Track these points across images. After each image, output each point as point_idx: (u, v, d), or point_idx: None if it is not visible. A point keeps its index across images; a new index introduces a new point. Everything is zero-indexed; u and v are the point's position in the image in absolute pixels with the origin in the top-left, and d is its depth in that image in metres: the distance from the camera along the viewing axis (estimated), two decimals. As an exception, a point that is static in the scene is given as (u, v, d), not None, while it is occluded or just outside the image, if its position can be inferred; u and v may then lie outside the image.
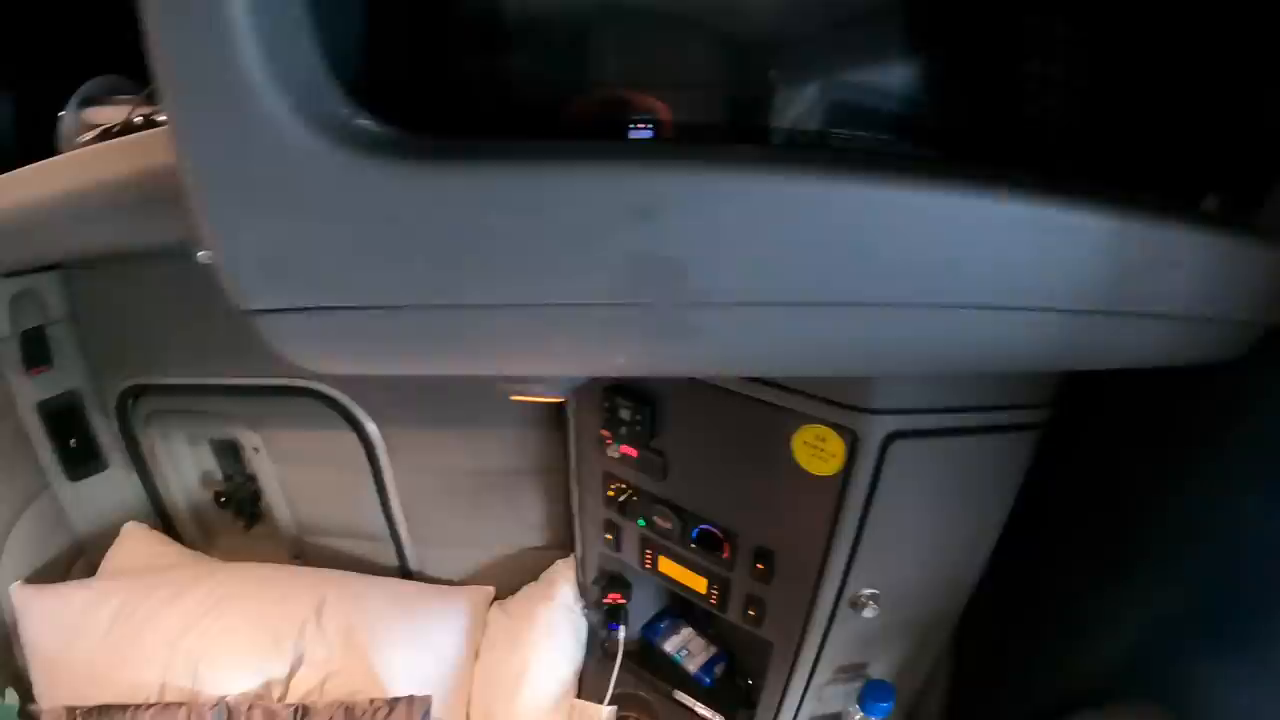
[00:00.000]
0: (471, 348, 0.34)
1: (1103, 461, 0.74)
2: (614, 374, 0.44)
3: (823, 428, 0.61)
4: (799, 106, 0.45)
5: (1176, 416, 0.65)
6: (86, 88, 0.64)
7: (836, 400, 0.60)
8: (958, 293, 0.33)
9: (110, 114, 0.61)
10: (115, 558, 1.14)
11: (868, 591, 0.72)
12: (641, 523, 0.81)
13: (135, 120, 0.58)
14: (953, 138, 0.49)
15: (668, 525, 0.78)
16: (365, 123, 0.29)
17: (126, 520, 1.18)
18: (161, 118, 0.56)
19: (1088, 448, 0.74)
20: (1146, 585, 0.69)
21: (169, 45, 0.26)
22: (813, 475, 0.64)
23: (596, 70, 0.41)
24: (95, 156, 0.53)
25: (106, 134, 0.59)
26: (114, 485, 1.18)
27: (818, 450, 0.62)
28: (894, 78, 0.47)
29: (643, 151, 0.30)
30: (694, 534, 0.77)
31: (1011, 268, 0.33)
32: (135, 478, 1.18)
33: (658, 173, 0.29)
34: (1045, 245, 0.33)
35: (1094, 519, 0.75)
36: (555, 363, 0.37)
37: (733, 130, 0.45)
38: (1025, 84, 0.50)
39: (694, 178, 0.29)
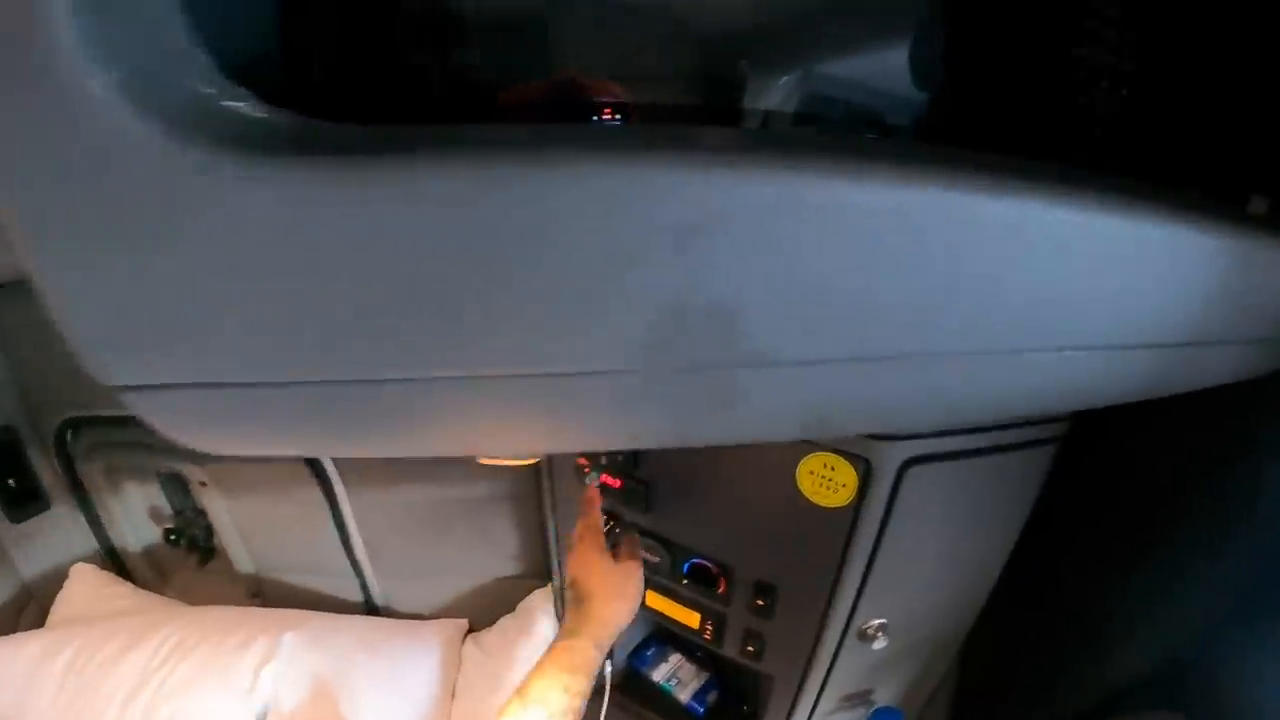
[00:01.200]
0: (412, 429, 0.25)
1: (1117, 469, 0.70)
2: (618, 448, 0.35)
3: (832, 456, 0.55)
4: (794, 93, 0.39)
5: (1197, 421, 0.61)
6: None
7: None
8: (1056, 334, 0.26)
9: None
10: (65, 602, 1.05)
11: (877, 622, 0.67)
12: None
13: None
14: (993, 133, 0.43)
15: (655, 559, 0.71)
16: (241, 106, 0.20)
17: (75, 561, 1.09)
18: None
19: (1102, 455, 0.70)
20: (1161, 595, 0.65)
21: None
22: (820, 506, 0.57)
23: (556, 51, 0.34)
24: None
25: None
26: (59, 525, 1.08)
27: (826, 480, 0.56)
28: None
29: (669, 140, 0.21)
30: (685, 568, 0.71)
31: (1125, 300, 0.27)
32: (81, 517, 1.09)
33: (708, 173, 0.20)
34: (1158, 271, 0.27)
35: (1104, 528, 0.71)
36: (532, 443, 0.28)
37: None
38: (1071, 77, 0.45)
39: (762, 180, 0.20)
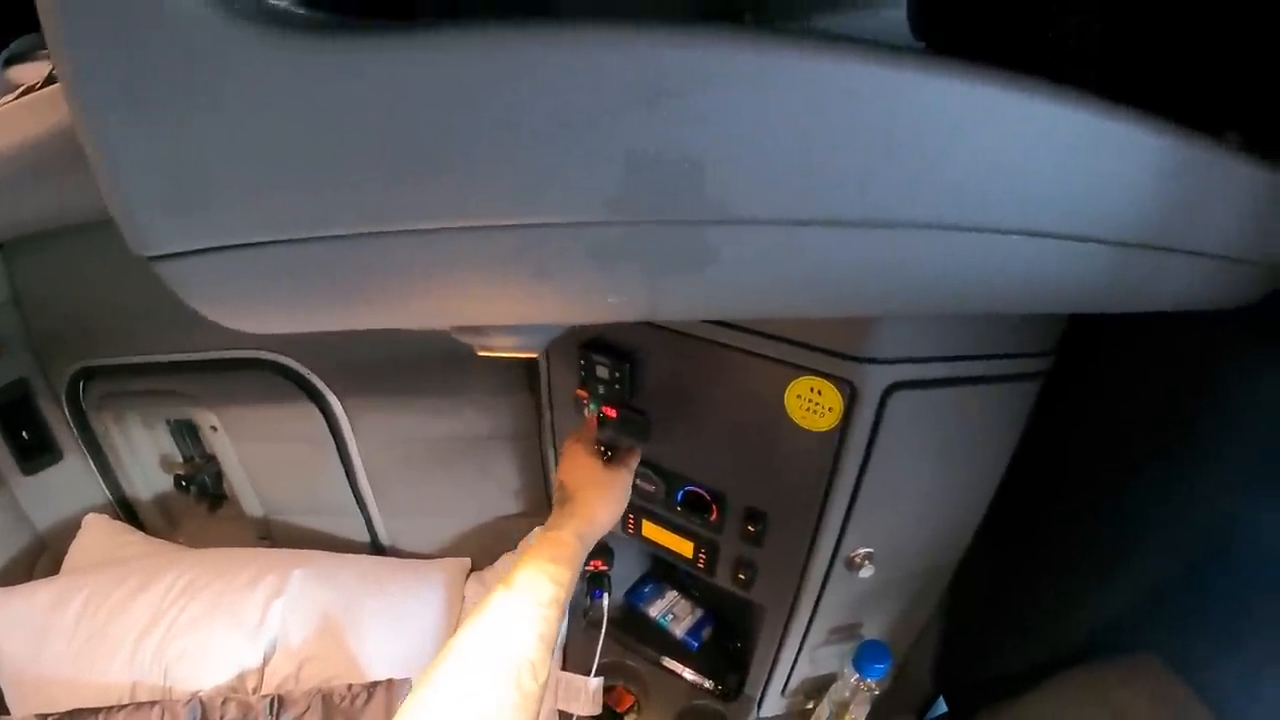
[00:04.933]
0: (424, 287, 0.28)
1: (1102, 411, 0.71)
2: (601, 318, 0.38)
3: (819, 379, 0.56)
4: None
5: (1178, 367, 0.62)
6: (12, 47, 0.60)
7: (833, 350, 0.55)
8: (1007, 213, 0.28)
9: (33, 71, 0.57)
10: (78, 552, 1.08)
11: (864, 551, 0.69)
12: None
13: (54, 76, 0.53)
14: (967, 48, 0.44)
15: (651, 488, 0.74)
16: None
17: (87, 512, 1.12)
18: None
19: (1086, 397, 0.71)
20: (1145, 539, 0.67)
21: None
22: (807, 430, 0.59)
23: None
24: (16, 113, 0.48)
25: (29, 92, 0.54)
26: (71, 476, 1.11)
27: (813, 404, 0.58)
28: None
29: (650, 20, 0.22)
30: (679, 496, 0.73)
31: (1070, 186, 0.28)
32: (93, 467, 1.11)
33: (674, 43, 0.22)
34: (1108, 164, 0.28)
35: (1091, 470, 0.73)
36: (528, 304, 0.30)
37: None
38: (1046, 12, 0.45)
39: (723, 49, 0.22)
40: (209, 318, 0.29)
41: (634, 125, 0.22)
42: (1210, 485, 0.60)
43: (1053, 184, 0.28)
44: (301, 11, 0.22)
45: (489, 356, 0.43)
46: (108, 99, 0.23)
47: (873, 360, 0.55)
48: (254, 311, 0.30)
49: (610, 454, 0.68)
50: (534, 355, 0.54)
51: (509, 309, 0.31)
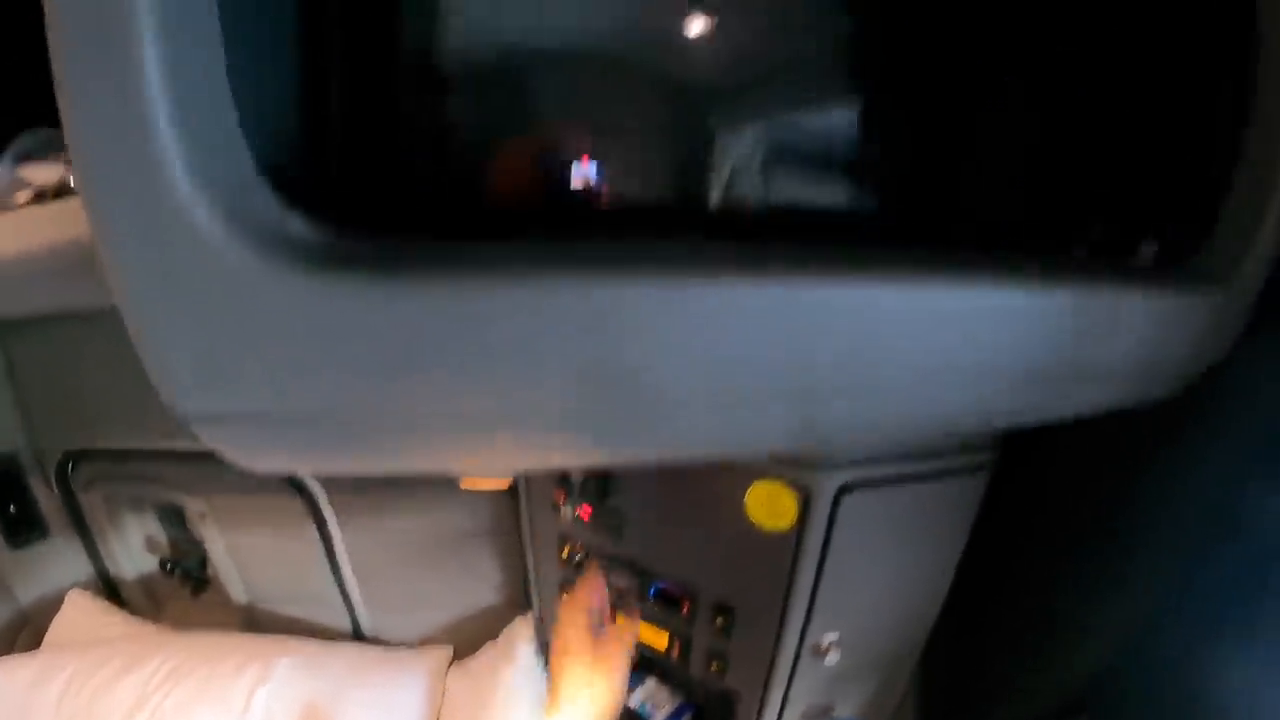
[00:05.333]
0: (414, 452, 0.33)
1: (1049, 490, 0.76)
2: (562, 466, 0.42)
3: (775, 484, 0.61)
4: (737, 152, 0.47)
5: (1124, 440, 0.67)
6: (21, 143, 0.63)
7: (787, 457, 0.60)
8: (903, 375, 0.33)
9: (45, 173, 0.61)
10: (60, 628, 1.08)
11: (830, 638, 0.72)
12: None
13: (69, 184, 0.58)
14: (886, 191, 0.51)
15: (625, 584, 0.77)
16: (296, 227, 0.27)
17: (71, 587, 1.13)
18: None
19: (1034, 479, 0.76)
20: (1077, 614, 0.71)
21: (90, 155, 0.24)
22: (768, 530, 0.63)
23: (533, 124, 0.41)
24: (32, 220, 0.53)
25: (41, 196, 0.58)
26: (57, 553, 1.12)
27: (771, 506, 0.62)
28: (828, 130, 0.48)
29: (592, 257, 0.28)
30: (652, 592, 0.76)
31: (950, 351, 0.33)
32: (79, 545, 1.13)
33: (609, 281, 0.28)
34: (982, 329, 0.33)
35: (1031, 550, 0.77)
36: (500, 465, 0.36)
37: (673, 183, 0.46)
38: (962, 142, 0.52)
39: (644, 286, 0.28)
40: (230, 462, 0.33)
41: (579, 347, 0.28)
42: (1150, 558, 0.65)
43: (944, 352, 0.34)
44: (313, 237, 0.27)
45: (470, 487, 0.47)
46: (154, 305, 0.27)
47: (823, 465, 0.59)
48: (269, 460, 0.34)
49: (584, 553, 0.72)
50: (506, 484, 0.59)
51: (487, 466, 0.36)
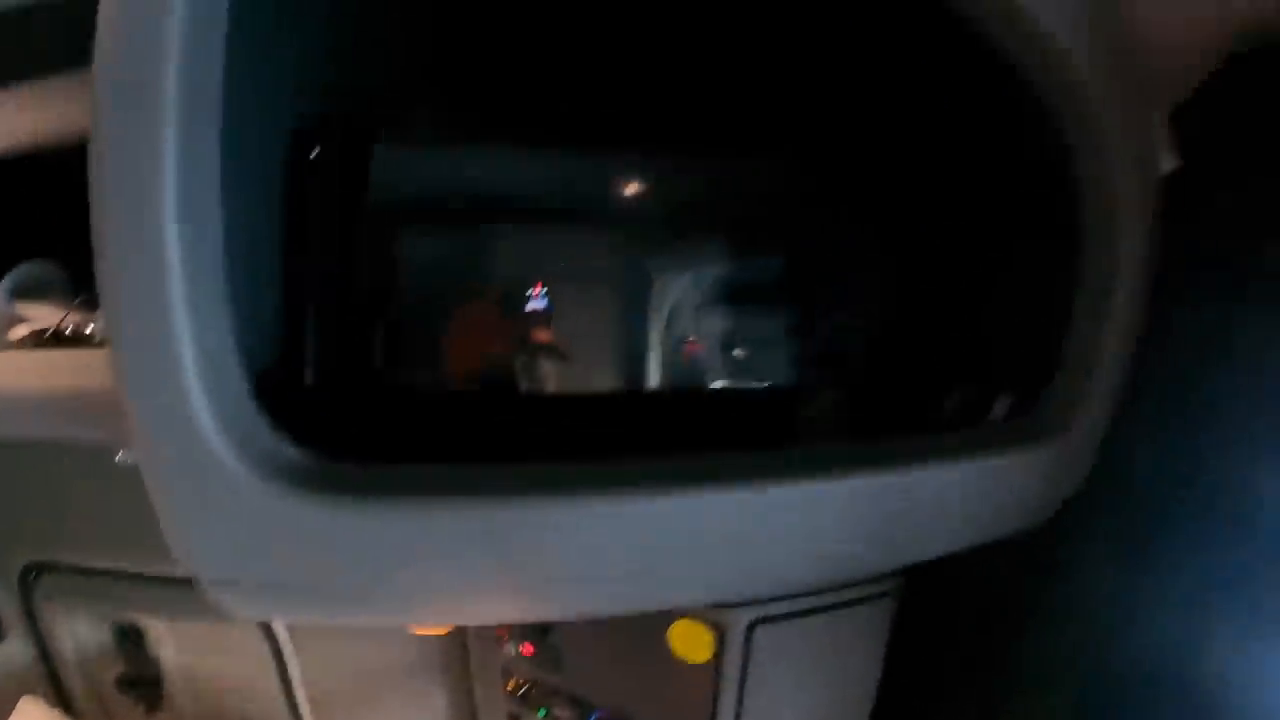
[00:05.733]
0: (377, 616, 0.44)
1: (959, 599, 0.81)
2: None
3: (692, 622, 0.67)
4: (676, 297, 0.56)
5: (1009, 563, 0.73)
6: (15, 276, 0.67)
7: (696, 600, 0.66)
8: (752, 559, 0.41)
9: (42, 314, 0.65)
10: None
11: (760, 761, 0.76)
12: (542, 713, 0.84)
13: (66, 330, 0.62)
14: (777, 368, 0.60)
15: (566, 715, 0.81)
16: (288, 453, 0.35)
17: (25, 692, 1.11)
18: (89, 330, 0.61)
19: (945, 589, 0.81)
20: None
21: (135, 401, 0.32)
22: (689, 663, 0.69)
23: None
24: (30, 362, 0.57)
25: (39, 336, 0.63)
26: (12, 657, 1.11)
27: (690, 641, 0.68)
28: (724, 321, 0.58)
29: (500, 484, 0.36)
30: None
31: (794, 533, 0.41)
32: (35, 653, 1.12)
33: (509, 503, 0.36)
34: (819, 515, 0.41)
35: (942, 671, 0.82)
36: (445, 622, 0.43)
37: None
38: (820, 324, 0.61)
39: (534, 505, 0.36)
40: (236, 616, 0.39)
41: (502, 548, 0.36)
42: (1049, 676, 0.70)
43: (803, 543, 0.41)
44: (302, 465, 0.35)
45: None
46: (181, 510, 0.34)
47: (735, 603, 0.65)
48: (264, 614, 0.41)
49: (529, 685, 0.76)
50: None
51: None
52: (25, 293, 0.69)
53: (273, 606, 0.38)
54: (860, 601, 0.72)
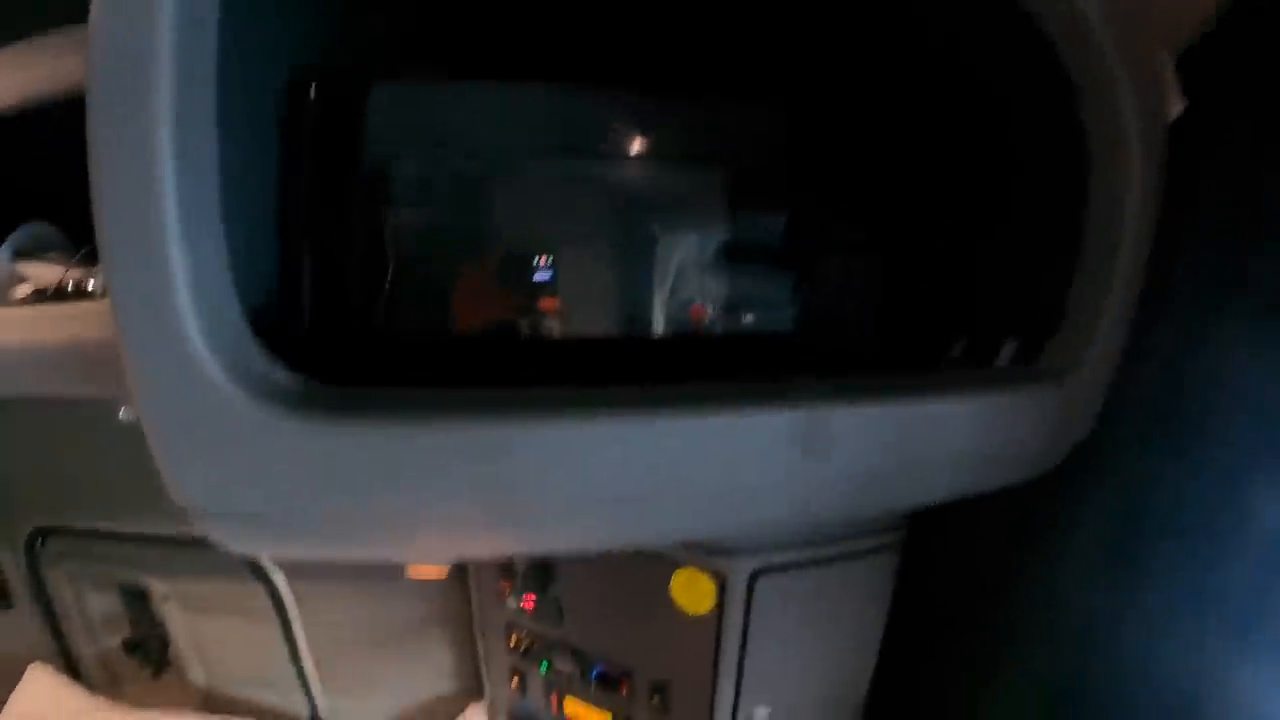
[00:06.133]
0: (375, 547, 0.41)
1: (964, 552, 0.81)
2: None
3: (694, 571, 0.67)
4: (662, 274, 0.55)
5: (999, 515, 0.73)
6: (17, 237, 0.67)
7: (703, 546, 0.66)
8: (749, 481, 0.41)
9: (43, 272, 0.65)
10: (20, 699, 1.09)
11: (761, 712, 0.77)
12: (544, 667, 0.84)
13: (67, 286, 0.61)
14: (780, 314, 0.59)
15: (568, 668, 0.82)
16: (281, 378, 0.35)
17: (31, 660, 1.13)
18: (90, 286, 0.60)
19: (950, 542, 0.82)
20: (1010, 670, 0.76)
21: (128, 326, 0.33)
22: (692, 614, 0.69)
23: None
24: (32, 318, 0.57)
25: (40, 294, 0.63)
26: (19, 625, 1.13)
27: (692, 591, 0.68)
28: (726, 269, 0.57)
29: (493, 403, 0.36)
30: (594, 674, 0.81)
31: (794, 461, 0.41)
32: (42, 619, 1.14)
33: (505, 423, 0.36)
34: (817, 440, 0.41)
35: (946, 625, 0.83)
36: (439, 555, 0.43)
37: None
38: (836, 275, 0.61)
39: (534, 425, 0.36)
40: (221, 547, 0.39)
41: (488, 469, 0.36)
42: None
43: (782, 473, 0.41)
44: (293, 386, 0.35)
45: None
46: (174, 437, 0.34)
47: (735, 552, 0.65)
48: (258, 548, 0.41)
49: (532, 642, 0.77)
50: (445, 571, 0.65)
51: (429, 558, 0.43)
52: (27, 254, 0.69)
53: (265, 538, 0.38)
54: (863, 554, 0.72)
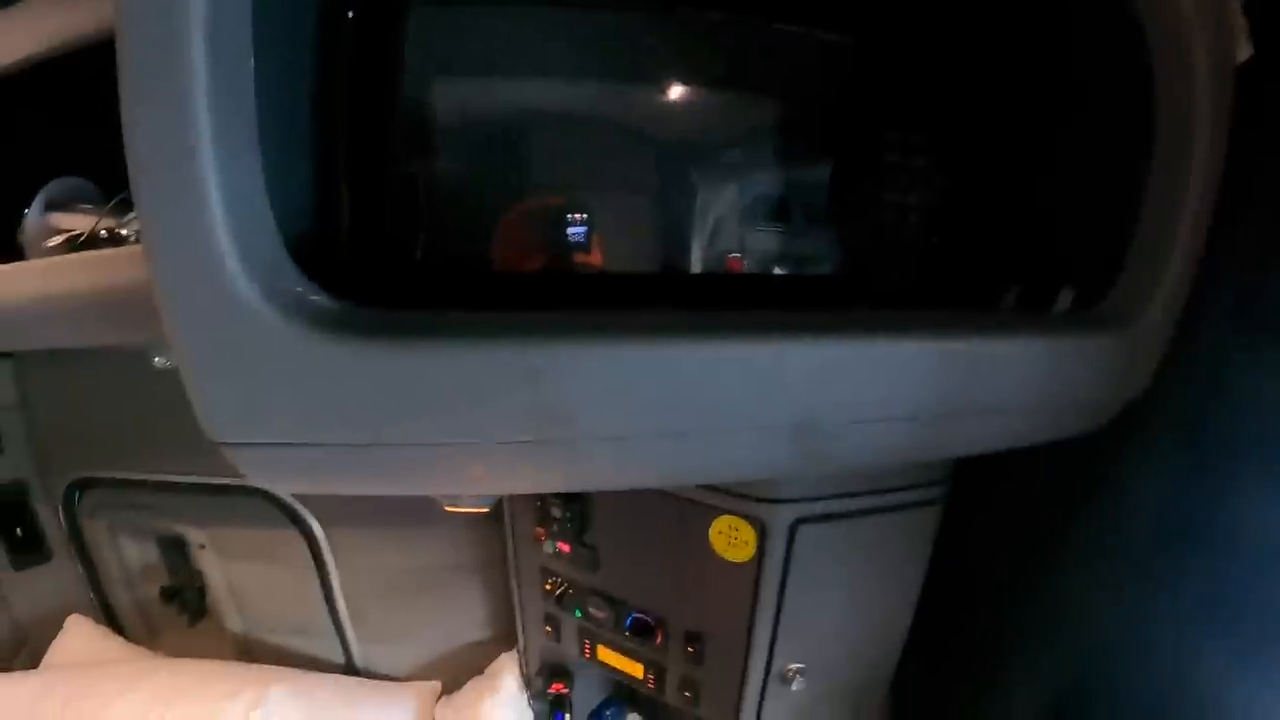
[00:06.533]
0: (410, 476, 0.39)
1: (1006, 515, 0.80)
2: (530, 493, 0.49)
3: (735, 518, 0.66)
4: (700, 223, 0.54)
5: (1061, 473, 0.72)
6: (50, 189, 0.68)
7: (745, 493, 0.65)
8: (800, 416, 0.39)
9: (75, 221, 0.65)
10: (59, 651, 1.12)
11: (795, 666, 0.76)
12: (578, 613, 0.84)
13: (100, 233, 0.62)
14: (834, 251, 0.57)
15: (602, 615, 0.81)
16: (318, 300, 0.34)
17: (70, 612, 1.17)
18: (124, 232, 0.61)
19: (993, 503, 0.80)
20: (1035, 642, 0.75)
21: (159, 243, 0.32)
22: (730, 561, 0.68)
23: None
24: (62, 267, 0.57)
25: (73, 242, 0.63)
26: (59, 577, 1.17)
27: (732, 539, 0.67)
28: (780, 201, 0.55)
29: (534, 325, 0.35)
30: (628, 622, 0.81)
31: (846, 394, 0.40)
32: (80, 571, 1.17)
33: (545, 345, 0.35)
34: (869, 374, 0.40)
35: (989, 581, 0.81)
36: (478, 487, 0.42)
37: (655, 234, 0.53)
38: (894, 209, 0.58)
39: (573, 348, 0.35)
40: (252, 481, 0.39)
41: (522, 396, 0.34)
42: (1098, 582, 0.69)
43: (838, 394, 0.40)
44: (330, 308, 0.34)
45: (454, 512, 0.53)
46: (208, 360, 0.34)
47: (777, 500, 0.64)
48: (290, 481, 0.41)
49: (566, 587, 0.76)
50: (486, 510, 0.65)
51: (467, 488, 0.42)
52: (59, 206, 0.70)
53: (298, 470, 0.37)
54: (905, 508, 0.71)
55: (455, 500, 0.51)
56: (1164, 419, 0.62)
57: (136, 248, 0.53)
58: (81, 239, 0.64)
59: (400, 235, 0.48)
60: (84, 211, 0.68)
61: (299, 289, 0.34)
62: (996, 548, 0.81)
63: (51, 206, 0.69)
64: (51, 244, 0.65)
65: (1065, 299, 0.53)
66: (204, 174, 0.31)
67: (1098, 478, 0.68)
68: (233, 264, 0.32)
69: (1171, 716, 0.64)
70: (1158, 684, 0.65)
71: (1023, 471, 0.77)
